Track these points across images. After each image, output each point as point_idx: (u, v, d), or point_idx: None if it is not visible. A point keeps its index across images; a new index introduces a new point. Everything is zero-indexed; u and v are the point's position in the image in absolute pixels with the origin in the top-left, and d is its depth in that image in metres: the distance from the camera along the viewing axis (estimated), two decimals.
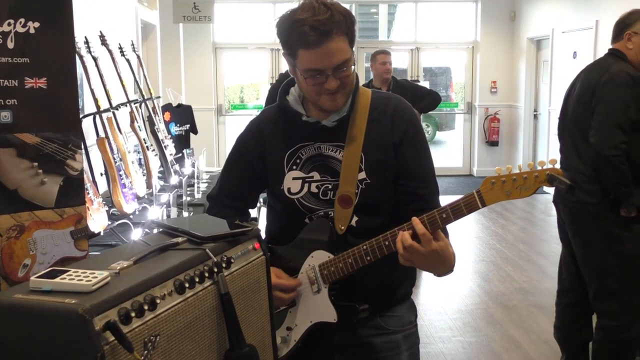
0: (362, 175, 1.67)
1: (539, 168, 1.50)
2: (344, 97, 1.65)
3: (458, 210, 1.52)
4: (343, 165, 1.67)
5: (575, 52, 7.82)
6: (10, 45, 1.85)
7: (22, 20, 1.85)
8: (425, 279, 5.05)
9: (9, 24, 1.83)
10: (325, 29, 1.52)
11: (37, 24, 1.88)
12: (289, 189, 1.72)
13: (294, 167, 1.71)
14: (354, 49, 1.64)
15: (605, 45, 6.94)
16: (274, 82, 4.02)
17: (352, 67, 1.62)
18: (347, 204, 1.66)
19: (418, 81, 9.74)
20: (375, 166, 1.67)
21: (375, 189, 1.67)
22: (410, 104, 1.78)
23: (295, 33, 1.55)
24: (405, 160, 1.69)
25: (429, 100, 5.74)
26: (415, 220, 1.51)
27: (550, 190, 5.81)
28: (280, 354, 1.71)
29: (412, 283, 1.84)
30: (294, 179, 1.71)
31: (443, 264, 1.55)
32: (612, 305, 3.12)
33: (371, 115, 1.70)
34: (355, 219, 1.68)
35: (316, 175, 1.70)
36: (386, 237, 1.58)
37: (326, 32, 1.53)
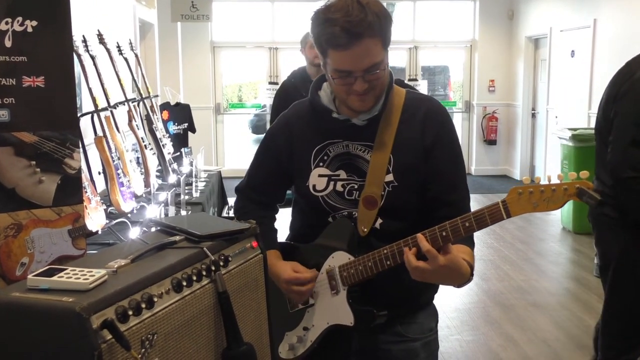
0: (390, 177, 1.62)
1: (569, 180, 1.42)
2: (373, 98, 1.60)
3: (482, 221, 1.46)
4: (370, 166, 1.63)
5: (573, 51, 7.83)
6: (8, 43, 1.84)
7: (20, 18, 1.85)
8: None
9: (7, 23, 1.83)
10: (356, 31, 1.47)
11: (34, 23, 1.88)
12: (314, 186, 1.68)
13: (321, 164, 1.68)
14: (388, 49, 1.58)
15: (603, 44, 6.98)
16: (277, 89, 3.95)
17: (384, 68, 1.56)
18: (372, 205, 1.62)
19: (416, 79, 9.75)
20: (403, 169, 1.63)
21: (402, 192, 1.63)
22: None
23: (325, 32, 1.51)
24: (435, 165, 1.64)
25: None
26: (419, 237, 1.48)
27: None
28: (296, 354, 1.69)
29: (435, 290, 1.79)
30: (320, 176, 1.68)
31: (455, 277, 1.49)
32: (619, 324, 2.93)
33: (403, 116, 1.65)
34: (379, 221, 1.64)
35: (342, 174, 1.67)
36: (407, 242, 1.52)
37: (357, 35, 1.47)
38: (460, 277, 1.50)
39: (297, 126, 1.73)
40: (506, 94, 9.96)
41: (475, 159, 10.20)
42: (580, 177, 1.43)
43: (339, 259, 1.65)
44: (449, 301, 4.64)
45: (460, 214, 1.50)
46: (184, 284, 1.11)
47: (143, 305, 1.00)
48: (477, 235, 6.20)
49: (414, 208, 1.66)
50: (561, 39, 8.16)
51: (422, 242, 1.46)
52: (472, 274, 1.53)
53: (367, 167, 1.63)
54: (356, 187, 1.65)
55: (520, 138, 9.59)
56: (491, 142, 10.07)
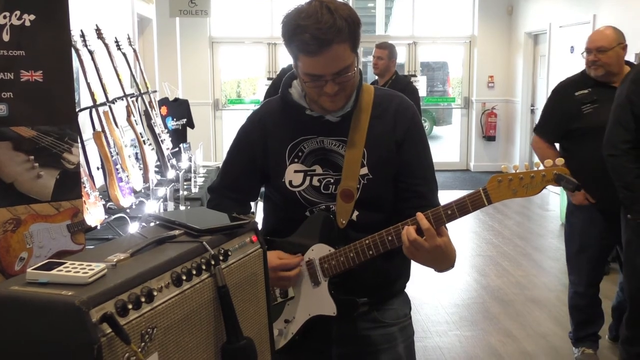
0: (365, 170, 1.68)
1: (546, 167, 1.50)
2: (344, 98, 1.66)
3: (464, 207, 1.54)
4: (345, 160, 1.68)
5: (572, 47, 7.82)
6: (6, 37, 1.84)
7: (18, 12, 1.85)
8: (422, 273, 5.05)
9: (5, 17, 1.83)
10: (325, 38, 1.51)
11: (32, 17, 1.87)
12: (290, 182, 1.72)
13: (296, 160, 1.72)
14: (358, 50, 1.63)
15: None
16: (274, 77, 3.95)
17: (353, 71, 1.61)
18: (348, 198, 1.67)
19: (415, 75, 9.75)
20: (377, 162, 1.68)
21: (377, 184, 1.69)
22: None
23: (296, 39, 1.55)
24: (406, 158, 1.70)
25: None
26: (419, 215, 1.53)
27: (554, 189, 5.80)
28: (277, 346, 1.71)
29: (407, 278, 1.85)
30: (296, 171, 1.71)
31: (445, 260, 1.56)
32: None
33: (374, 111, 1.71)
34: (355, 213, 1.69)
35: (318, 169, 1.71)
36: (389, 232, 1.59)
37: (326, 42, 1.51)
38: (448, 261, 1.57)
39: (271, 123, 1.76)
40: (505, 90, 9.95)
41: (474, 155, 10.20)
42: (556, 164, 1.50)
43: (318, 251, 1.68)
44: (447, 297, 4.64)
45: (430, 204, 1.61)
46: (184, 278, 1.10)
47: (143, 299, 1.00)
48: (476, 232, 6.21)
49: (389, 199, 1.72)
50: (560, 34, 8.15)
51: (422, 220, 1.52)
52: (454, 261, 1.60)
53: (342, 161, 1.68)
54: (332, 181, 1.70)
55: (519, 134, 9.59)
56: (490, 138, 10.06)
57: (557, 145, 3.45)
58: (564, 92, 3.34)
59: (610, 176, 2.89)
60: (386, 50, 5.39)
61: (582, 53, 3.34)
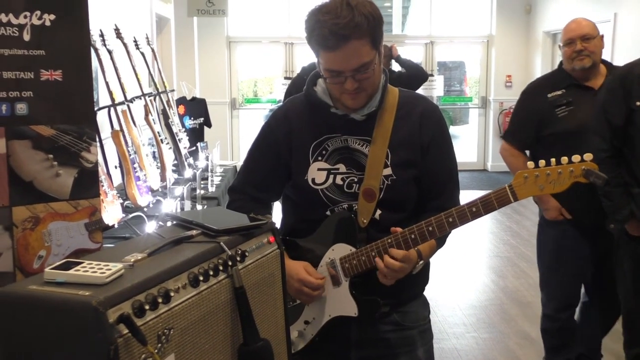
0: (388, 171, 1.67)
1: (574, 162, 1.47)
2: (366, 97, 1.66)
3: (489, 204, 1.54)
4: (369, 160, 1.67)
5: None
6: (27, 37, 1.85)
7: (38, 12, 1.86)
8: (439, 274, 5.02)
9: (25, 17, 1.84)
10: (343, 34, 1.52)
11: (52, 17, 1.88)
12: (313, 179, 1.71)
13: (319, 158, 1.71)
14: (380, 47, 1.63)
15: (623, 39, 6.88)
16: (292, 76, 3.94)
17: (373, 68, 1.61)
18: (371, 197, 1.67)
19: (432, 75, 9.68)
20: (401, 164, 1.68)
21: (400, 185, 1.68)
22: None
23: (315, 34, 1.56)
24: (431, 161, 1.71)
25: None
26: (392, 251, 1.59)
27: None
28: (297, 348, 1.70)
29: (427, 280, 1.84)
30: (319, 169, 1.71)
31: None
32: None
33: (399, 112, 1.71)
34: (378, 212, 1.68)
35: (342, 168, 1.70)
36: (412, 231, 1.58)
37: (344, 37, 1.52)
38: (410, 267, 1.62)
39: (295, 120, 1.76)
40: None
41: (492, 155, 10.12)
42: (584, 159, 1.47)
43: (339, 251, 1.68)
44: (465, 298, 4.61)
45: (451, 205, 1.61)
46: (201, 278, 1.10)
47: (159, 300, 0.99)
48: (494, 232, 6.14)
49: (411, 199, 1.73)
50: None
51: (393, 252, 1.58)
52: (420, 259, 1.65)
53: (366, 160, 1.68)
54: (356, 180, 1.69)
55: None
56: None
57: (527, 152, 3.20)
58: (535, 94, 3.07)
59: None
60: (390, 48, 5.24)
61: (560, 46, 3.06)
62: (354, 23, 1.52)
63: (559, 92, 2.98)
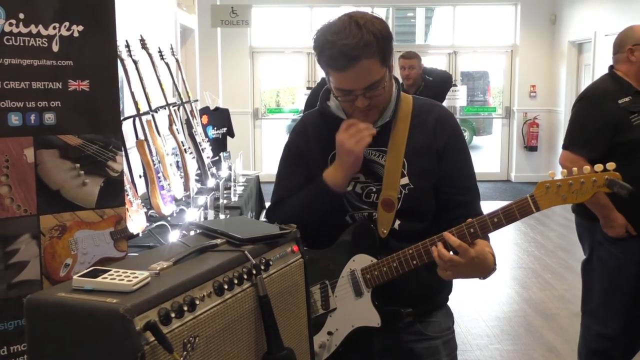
0: (405, 180, 1.67)
1: (597, 171, 1.45)
2: (377, 112, 1.67)
3: (511, 214, 1.52)
4: (386, 170, 1.67)
5: None
6: (55, 48, 1.88)
7: (67, 23, 1.89)
8: (462, 285, 4.98)
9: (54, 28, 1.87)
10: (353, 55, 1.51)
11: (80, 28, 1.91)
12: None
13: None
14: (391, 62, 1.62)
15: None
16: (314, 86, 3.94)
17: (384, 85, 1.60)
18: (389, 207, 1.67)
19: (455, 85, 9.64)
20: (418, 172, 1.67)
21: (418, 194, 1.67)
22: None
23: (325, 55, 1.56)
24: (447, 168, 1.69)
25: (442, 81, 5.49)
26: (447, 234, 1.53)
27: None
28: (321, 359, 1.70)
29: (450, 290, 1.83)
30: None
31: (483, 268, 1.55)
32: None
33: (414, 121, 1.70)
34: (397, 222, 1.68)
35: (361, 177, 1.71)
36: (433, 241, 1.57)
37: (354, 57, 1.52)
38: (486, 268, 1.56)
39: (313, 134, 1.77)
40: (548, 100, 9.78)
41: (515, 166, 10.04)
42: (607, 168, 1.45)
43: (360, 261, 1.67)
44: (488, 310, 4.56)
45: (473, 213, 1.59)
46: (226, 287, 1.11)
47: (185, 308, 1.00)
48: (517, 243, 6.09)
49: (430, 209, 1.71)
50: (606, 43, 7.97)
51: (450, 239, 1.51)
52: (495, 264, 1.58)
53: (383, 171, 1.67)
54: (374, 190, 1.69)
55: (561, 144, 9.39)
56: (532, 149, 9.89)
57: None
58: (605, 100, 2.89)
59: None
60: (415, 58, 5.12)
61: (630, 50, 2.88)
62: (363, 42, 1.51)
63: (627, 99, 2.85)
